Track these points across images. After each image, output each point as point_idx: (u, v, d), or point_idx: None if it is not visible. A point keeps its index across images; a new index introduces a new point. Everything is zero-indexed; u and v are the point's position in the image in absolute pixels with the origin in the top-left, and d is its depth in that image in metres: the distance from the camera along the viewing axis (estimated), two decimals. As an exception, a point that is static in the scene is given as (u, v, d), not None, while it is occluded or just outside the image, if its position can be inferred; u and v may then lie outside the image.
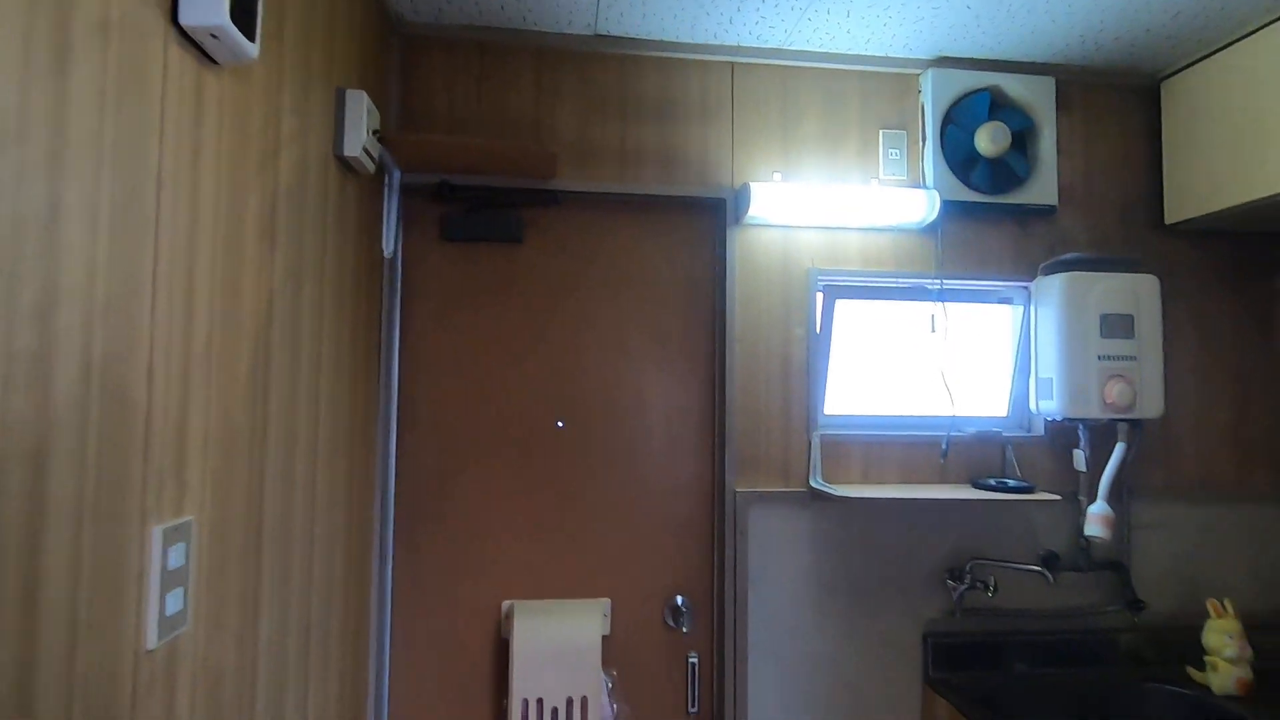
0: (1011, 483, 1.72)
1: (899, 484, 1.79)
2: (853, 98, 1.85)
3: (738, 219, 1.78)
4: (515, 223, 1.78)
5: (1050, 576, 1.61)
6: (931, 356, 1.88)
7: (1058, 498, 1.65)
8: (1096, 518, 1.64)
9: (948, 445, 1.80)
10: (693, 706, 1.75)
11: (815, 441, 1.77)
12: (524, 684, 1.58)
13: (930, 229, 1.84)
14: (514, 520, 1.74)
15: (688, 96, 1.80)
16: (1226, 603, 1.71)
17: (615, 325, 1.80)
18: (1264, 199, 1.60)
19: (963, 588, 1.74)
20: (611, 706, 1.66)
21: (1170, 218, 1.86)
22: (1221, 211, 1.72)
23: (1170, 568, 1.87)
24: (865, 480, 1.79)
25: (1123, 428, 1.75)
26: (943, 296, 1.83)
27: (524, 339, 1.77)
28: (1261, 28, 1.62)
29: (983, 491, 1.68)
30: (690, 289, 1.83)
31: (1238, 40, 1.68)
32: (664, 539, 1.77)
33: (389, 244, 1.65)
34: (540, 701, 1.58)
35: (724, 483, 1.75)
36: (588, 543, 1.75)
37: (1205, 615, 1.74)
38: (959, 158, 1.80)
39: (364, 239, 1.52)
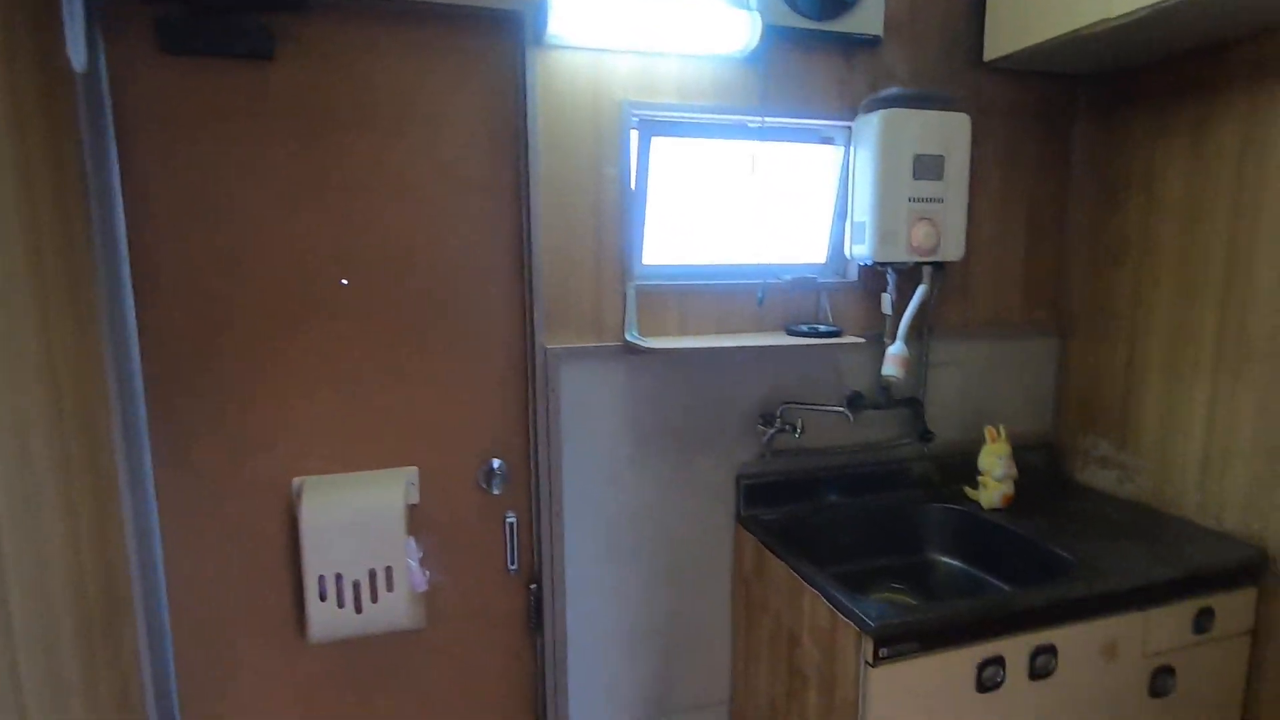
0: (822, 328, 1.73)
1: (715, 334, 1.75)
2: (671, -108, 1.58)
3: (538, 38, 1.53)
4: (259, 33, 1.43)
5: (850, 416, 1.68)
6: (751, 200, 1.80)
7: (863, 340, 1.69)
8: (893, 358, 1.70)
9: (764, 294, 1.77)
10: (512, 564, 1.74)
11: (631, 294, 1.68)
12: (318, 559, 1.47)
13: (752, 59, 1.69)
14: (302, 392, 1.55)
15: (471, -126, 1.47)
16: (1000, 428, 1.88)
17: (404, 168, 1.55)
18: (1075, 31, 1.57)
19: (773, 431, 1.78)
20: (423, 574, 1.61)
21: (989, 54, 1.82)
22: (1038, 46, 1.69)
23: (958, 401, 2.02)
24: (682, 332, 1.74)
25: (926, 270, 1.78)
26: (765, 135, 1.72)
27: (297, 185, 1.49)
28: None
29: (794, 338, 1.69)
30: (489, 124, 1.59)
31: None
32: (474, 402, 1.66)
33: (77, 53, 1.27)
34: (339, 577, 1.49)
35: (534, 340, 1.63)
36: (390, 411, 1.61)
37: (984, 441, 1.91)
38: (786, -24, 1.63)
39: (35, 45, 1.15)
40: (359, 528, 1.49)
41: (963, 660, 1.37)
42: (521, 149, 1.60)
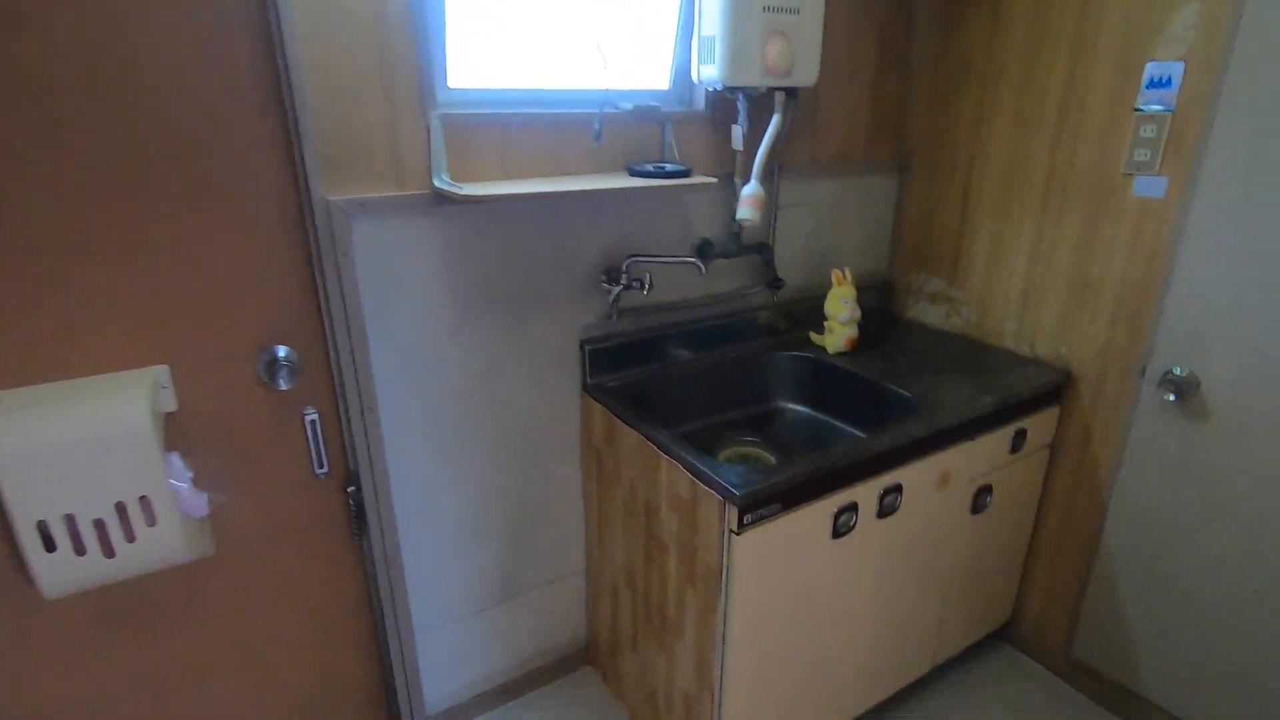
0: (669, 167, 1.50)
1: (546, 178, 1.46)
2: None
3: None
4: None
5: (702, 267, 1.51)
6: (582, 12, 1.45)
7: (714, 180, 1.48)
8: (748, 199, 1.53)
9: (601, 125, 1.48)
10: (320, 468, 1.45)
11: (436, 126, 1.32)
12: (31, 502, 1.10)
13: None
14: (-47, 276, 1.07)
15: None
16: (846, 272, 1.82)
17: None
18: None
19: (619, 289, 1.58)
20: (201, 496, 1.28)
21: None
22: None
23: (805, 244, 1.93)
24: (505, 174, 1.43)
25: (779, 98, 1.59)
26: (592, -88, 1.35)
27: None
28: None
29: (639, 179, 1.44)
30: None
31: None
32: (238, 275, 1.27)
33: None
34: (71, 518, 1.13)
35: (310, 190, 1.25)
36: (119, 293, 1.18)
37: (829, 285, 1.85)
38: None
39: None
40: (87, 453, 1.11)
41: (820, 512, 1.35)
42: (251, -93, 1.11)
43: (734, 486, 1.21)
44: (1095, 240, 1.63)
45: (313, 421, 1.41)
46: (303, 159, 1.23)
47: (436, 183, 1.32)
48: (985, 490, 1.67)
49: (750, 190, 1.53)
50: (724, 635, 1.33)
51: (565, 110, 1.45)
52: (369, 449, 1.44)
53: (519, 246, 1.49)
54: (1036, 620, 1.95)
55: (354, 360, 1.37)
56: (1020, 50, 1.69)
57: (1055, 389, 1.72)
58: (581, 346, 1.63)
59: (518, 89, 1.45)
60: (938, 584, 1.69)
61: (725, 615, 1.31)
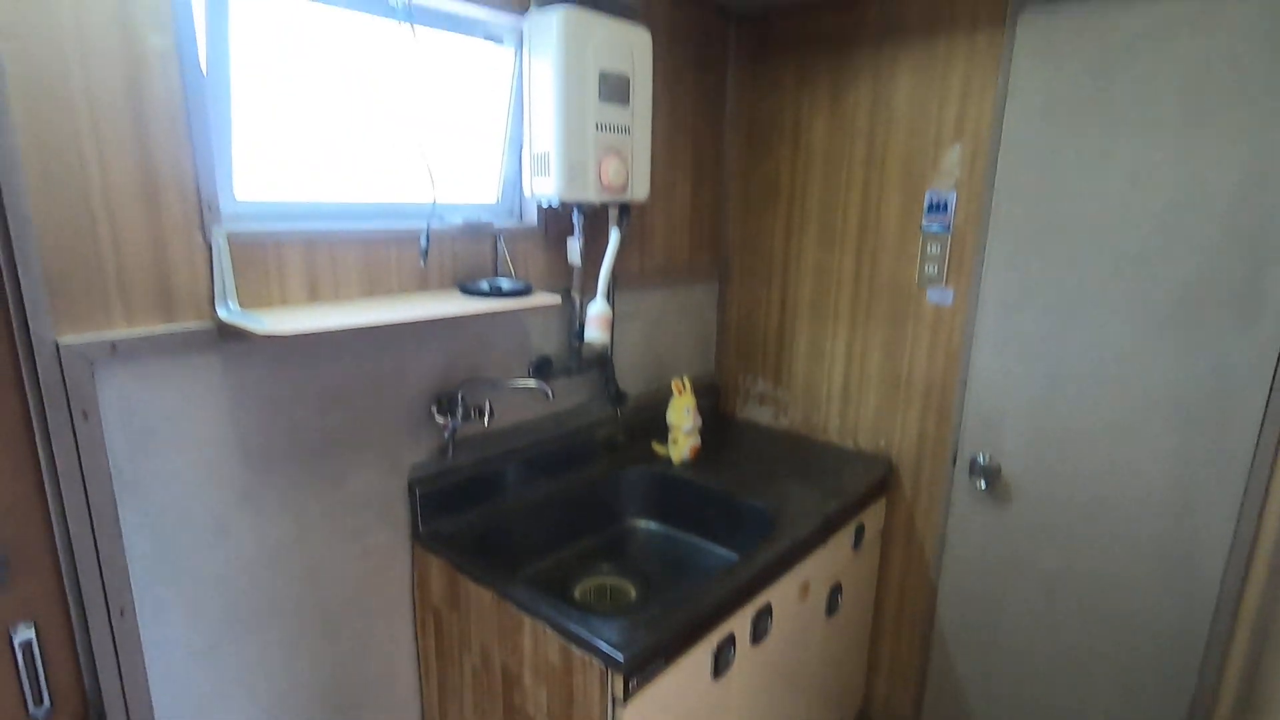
0: (506, 284, 1.37)
1: (364, 299, 1.25)
2: None
3: None
4: None
5: (550, 393, 1.38)
6: (402, 113, 1.31)
7: (558, 300, 1.38)
8: (596, 319, 1.45)
9: (428, 241, 1.32)
10: (41, 701, 1.03)
11: (220, 244, 1.06)
12: None
13: (387, -101, 1.17)
14: None
15: None
16: (685, 380, 1.80)
17: None
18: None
19: (455, 421, 1.39)
20: None
21: (659, -34, 1.61)
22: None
23: (641, 354, 1.90)
24: (315, 298, 1.20)
25: (614, 213, 1.55)
26: (412, 15, 1.23)
27: None
28: None
29: (476, 300, 1.29)
30: None
31: None
32: (-102, 455, 0.88)
33: None
34: None
35: (30, 332, 0.92)
36: None
37: (668, 394, 1.82)
38: None
39: None
40: None
41: (702, 653, 1.24)
42: (-58, -33, 0.83)
43: (617, 649, 1.06)
44: (900, 342, 1.79)
45: (28, 642, 1.01)
46: (20, 291, 0.91)
47: (222, 314, 1.06)
48: (837, 590, 1.68)
49: (598, 310, 1.45)
50: (613, 825, 1.13)
51: (385, 226, 1.27)
52: (120, 665, 1.06)
53: (330, 383, 1.24)
54: (885, 700, 1.99)
55: (96, 552, 1.01)
56: (820, 174, 1.85)
57: (882, 481, 1.82)
58: (411, 489, 1.39)
59: (326, 202, 1.25)
60: (799, 689, 1.65)
61: (613, 801, 1.12)
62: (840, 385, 1.92)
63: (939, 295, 1.70)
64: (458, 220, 1.37)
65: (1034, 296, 1.57)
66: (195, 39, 1.00)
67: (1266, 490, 1.36)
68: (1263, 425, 1.35)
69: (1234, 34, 1.29)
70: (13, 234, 0.89)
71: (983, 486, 1.69)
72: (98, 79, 0.93)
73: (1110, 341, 1.49)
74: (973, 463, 1.70)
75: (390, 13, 1.21)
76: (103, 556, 1.02)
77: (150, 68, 0.97)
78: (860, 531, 1.73)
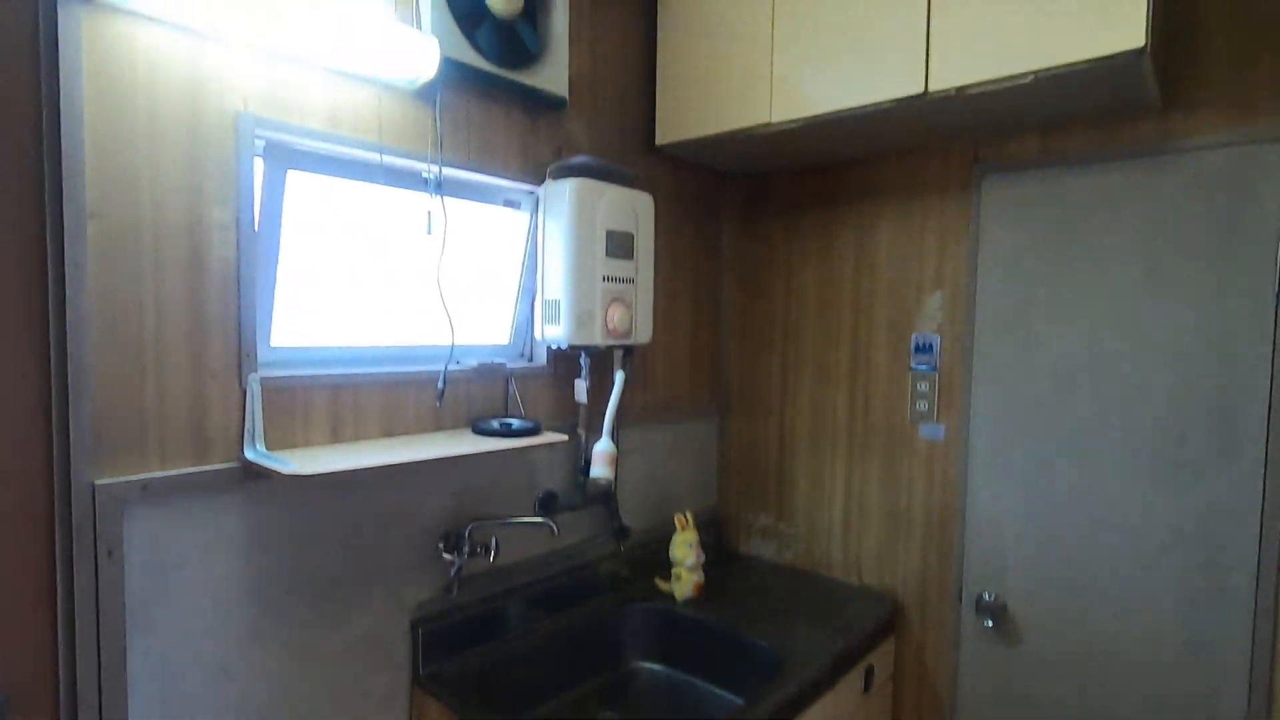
0: (516, 423, 1.44)
1: (383, 439, 1.32)
2: None
3: (86, -10, 0.96)
4: None
5: (555, 528, 1.41)
6: (427, 268, 1.44)
7: (564, 438, 1.45)
8: (602, 457, 1.51)
9: (445, 383, 1.41)
10: None
11: (254, 389, 1.15)
12: None
13: (428, 94, 1.36)
14: None
15: None
16: (688, 515, 1.83)
17: None
18: (737, 131, 1.65)
19: (461, 559, 1.41)
20: None
21: (660, 139, 1.82)
22: (702, 139, 1.73)
23: (644, 489, 1.93)
24: (336, 438, 1.27)
25: (618, 355, 1.66)
26: (441, 189, 1.39)
27: None
28: (746, -45, 1.62)
29: (488, 439, 1.36)
30: (-24, 108, 0.93)
31: (726, -37, 1.67)
32: (-73, 595, 0.91)
33: None
34: None
35: (71, 474, 0.98)
36: None
37: (671, 529, 1.84)
38: (465, 9, 1.36)
39: None
40: None
41: (709, 812, 1.18)
42: (48, 155, 0.97)
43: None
44: (897, 477, 1.83)
45: (14, 796, 0.98)
46: (67, 435, 0.98)
47: (249, 455, 1.12)
48: (850, 740, 1.62)
49: (604, 448, 1.51)
50: None
51: (404, 370, 1.36)
52: (104, 826, 1.02)
53: (345, 520, 1.28)
54: None
55: (100, 695, 1.01)
56: (812, 315, 1.98)
57: (889, 619, 1.79)
58: (414, 629, 1.39)
59: (352, 346, 1.35)
60: None
61: None
62: (841, 519, 1.94)
63: (931, 431, 1.77)
64: (473, 363, 1.46)
65: (1023, 434, 1.63)
66: (253, 209, 1.14)
67: (1275, 625, 1.35)
68: (1260, 560, 1.37)
69: (1175, 198, 1.44)
70: (71, 381, 0.98)
71: (990, 625, 1.66)
72: (166, 247, 1.05)
73: (1101, 478, 1.54)
74: (978, 600, 1.69)
75: (423, 186, 1.37)
76: (105, 701, 1.01)
77: (211, 236, 1.10)
78: (870, 673, 1.69)
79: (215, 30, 1.07)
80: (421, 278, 1.45)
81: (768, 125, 1.60)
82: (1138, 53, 1.15)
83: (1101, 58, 1.18)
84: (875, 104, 1.43)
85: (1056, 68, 1.23)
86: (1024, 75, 1.26)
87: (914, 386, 1.79)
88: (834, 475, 1.95)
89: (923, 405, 1.78)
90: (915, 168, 1.78)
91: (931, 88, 1.36)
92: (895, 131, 1.62)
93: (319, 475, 1.07)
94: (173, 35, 1.05)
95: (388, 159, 1.31)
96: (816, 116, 1.52)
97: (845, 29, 1.46)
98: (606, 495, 1.75)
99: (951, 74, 1.33)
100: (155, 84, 1.03)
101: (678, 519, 1.80)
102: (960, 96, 1.36)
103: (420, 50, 1.24)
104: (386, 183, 1.34)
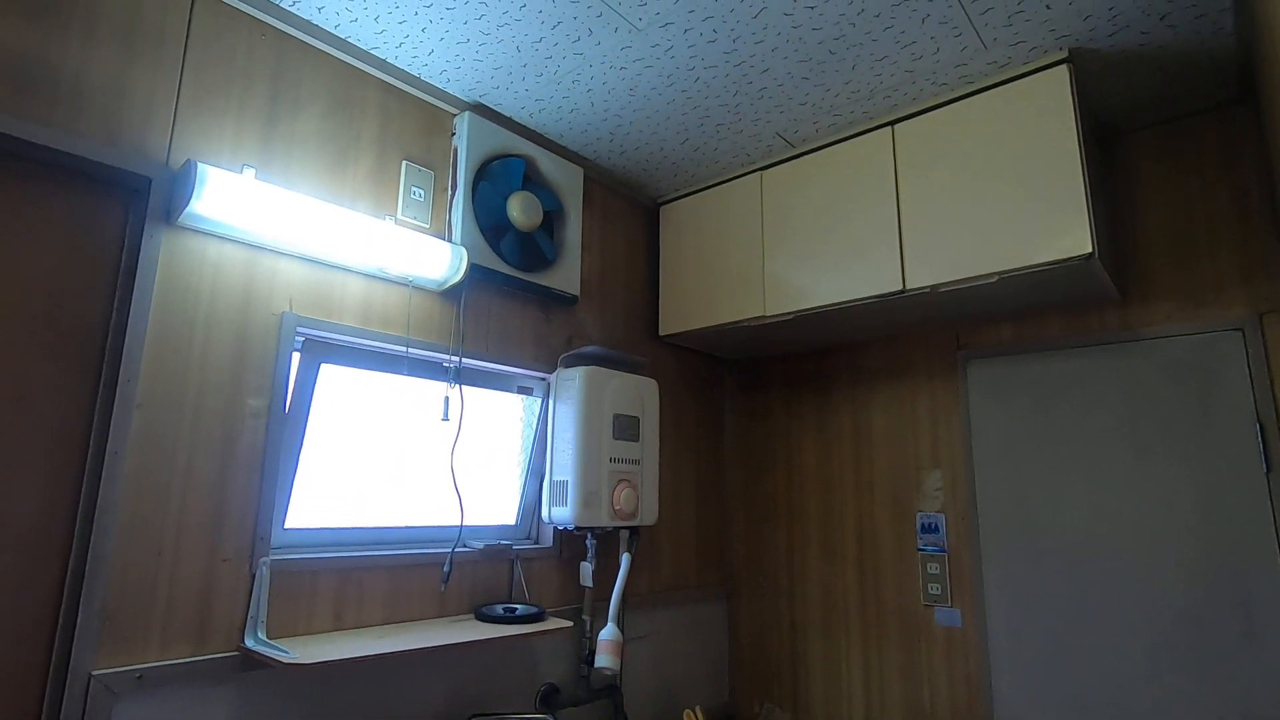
0: (520, 609, 1.41)
1: (384, 625, 1.29)
2: (371, 111, 1.44)
3: (170, 215, 1.12)
4: None
5: (557, 726, 1.33)
6: (441, 451, 1.50)
7: (570, 624, 1.41)
8: (608, 646, 1.46)
9: (450, 567, 1.41)
10: None
11: (263, 575, 1.15)
12: None
13: (453, 294, 1.51)
14: None
15: None
16: (697, 710, 1.71)
17: None
18: (735, 323, 1.79)
19: (455, 762, 1.31)
20: None
21: (663, 330, 1.96)
22: (702, 330, 1.87)
23: (651, 680, 1.83)
24: (339, 624, 1.24)
25: (624, 536, 1.66)
26: (460, 378, 1.49)
27: None
28: (735, 177, 1.87)
29: (491, 626, 1.33)
30: (54, 305, 1.05)
31: (716, 185, 1.91)
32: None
33: None
34: None
35: (70, 665, 0.96)
36: None
37: (680, 727, 1.71)
38: (490, 222, 1.55)
39: None
40: None
41: None
42: (112, 349, 1.07)
43: None
44: (916, 667, 1.74)
45: None
46: (73, 626, 0.98)
47: (249, 642, 1.10)
48: None
49: (609, 635, 1.47)
50: None
51: (411, 553, 1.36)
52: None
53: (339, 710, 1.22)
54: None
55: None
56: (815, 492, 2.00)
57: (925, 839, 1.61)
58: None
59: (362, 527, 1.37)
60: None
61: None
62: (862, 714, 1.81)
63: (947, 616, 1.71)
64: (479, 545, 1.47)
65: (1040, 621, 1.58)
66: (285, 398, 1.23)
67: None
68: (1317, 766, 1.27)
69: (1149, 381, 1.53)
70: (88, 572, 0.99)
71: (1038, 846, 1.49)
72: (201, 433, 1.12)
73: (1125, 666, 1.46)
74: (1021, 814, 1.53)
75: (443, 375, 1.47)
76: None
77: (244, 423, 1.17)
78: None
79: (272, 246, 1.23)
80: (434, 460, 1.50)
81: (762, 317, 1.74)
82: (1086, 257, 1.30)
83: (1057, 261, 1.33)
84: (861, 299, 1.57)
85: (1017, 270, 1.37)
86: (990, 275, 1.41)
87: (924, 568, 1.76)
88: (850, 664, 1.85)
89: (935, 588, 1.74)
90: (902, 351, 1.89)
91: (909, 285, 1.50)
92: (882, 321, 1.75)
93: (319, 664, 1.04)
94: (235, 249, 1.20)
95: (414, 351, 1.43)
96: (807, 310, 1.66)
97: (828, 237, 1.65)
98: (612, 688, 1.66)
99: (926, 274, 1.48)
100: (217, 292, 1.17)
101: (687, 715, 1.69)
102: (934, 293, 1.50)
103: (449, 257, 1.40)
104: (410, 373, 1.44)
